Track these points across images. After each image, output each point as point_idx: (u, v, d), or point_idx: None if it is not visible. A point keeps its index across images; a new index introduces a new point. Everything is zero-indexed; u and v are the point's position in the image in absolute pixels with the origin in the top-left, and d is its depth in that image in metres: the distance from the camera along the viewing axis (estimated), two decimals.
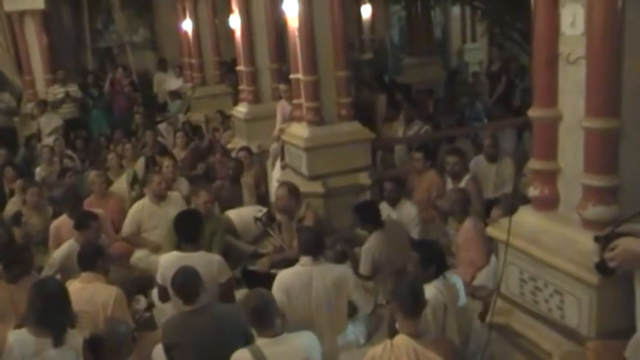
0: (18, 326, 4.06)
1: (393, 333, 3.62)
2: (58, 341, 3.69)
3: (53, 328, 3.71)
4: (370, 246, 5.22)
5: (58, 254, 5.65)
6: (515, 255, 3.69)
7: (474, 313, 4.54)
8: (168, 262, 4.82)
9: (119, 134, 10.47)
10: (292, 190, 5.96)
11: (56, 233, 6.24)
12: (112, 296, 4.50)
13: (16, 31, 12.13)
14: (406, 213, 5.98)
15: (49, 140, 10.49)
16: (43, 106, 11.39)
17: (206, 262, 4.74)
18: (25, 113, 12.12)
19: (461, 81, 13.00)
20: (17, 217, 7.06)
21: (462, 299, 4.41)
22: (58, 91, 11.64)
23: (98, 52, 14.74)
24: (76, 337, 3.80)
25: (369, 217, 5.36)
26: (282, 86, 7.85)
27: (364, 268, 5.22)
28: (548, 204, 3.60)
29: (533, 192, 3.66)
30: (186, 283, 4.09)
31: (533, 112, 3.61)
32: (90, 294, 4.53)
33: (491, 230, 3.99)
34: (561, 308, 3.41)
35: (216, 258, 4.91)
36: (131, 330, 3.79)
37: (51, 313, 3.76)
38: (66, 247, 5.60)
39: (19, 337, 3.71)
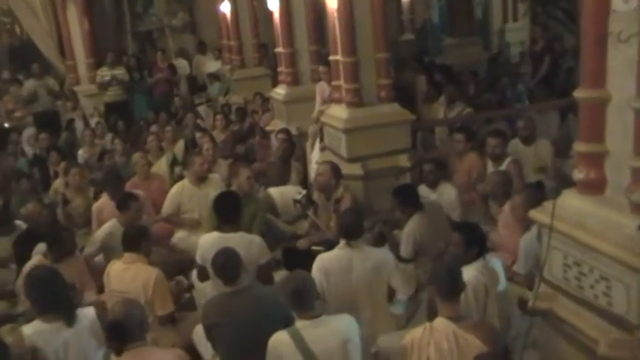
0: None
1: (431, 316, 3.59)
2: (70, 320, 3.75)
3: (61, 311, 3.78)
4: (411, 229, 5.18)
5: (99, 233, 5.76)
6: (559, 239, 3.61)
7: (515, 297, 4.48)
8: (208, 242, 4.87)
9: (163, 117, 10.57)
10: (335, 169, 5.95)
11: (98, 214, 6.34)
12: (153, 277, 4.56)
13: (59, 16, 12.34)
14: (446, 195, 5.91)
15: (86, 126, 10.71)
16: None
17: (246, 243, 4.76)
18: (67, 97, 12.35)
19: (503, 61, 12.74)
20: (61, 198, 7.18)
21: (502, 283, 4.36)
22: (105, 74, 11.80)
23: (138, 35, 14.87)
24: (87, 314, 3.87)
25: (408, 200, 5.31)
26: (321, 68, 7.82)
27: (405, 251, 5.19)
28: (595, 187, 3.50)
29: (578, 175, 3.55)
30: (227, 264, 4.11)
31: (579, 93, 3.50)
32: (132, 275, 4.61)
33: (534, 214, 3.90)
34: (608, 295, 3.32)
35: (256, 239, 4.93)
36: (144, 310, 3.84)
37: (50, 297, 3.82)
38: (108, 227, 5.70)
39: (34, 328, 3.76)
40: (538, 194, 4.70)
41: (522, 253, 4.65)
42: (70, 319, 3.75)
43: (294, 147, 7.55)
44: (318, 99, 7.82)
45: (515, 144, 6.70)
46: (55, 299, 3.81)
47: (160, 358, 3.59)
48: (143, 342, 3.58)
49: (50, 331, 3.72)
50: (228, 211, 5.04)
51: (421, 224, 5.17)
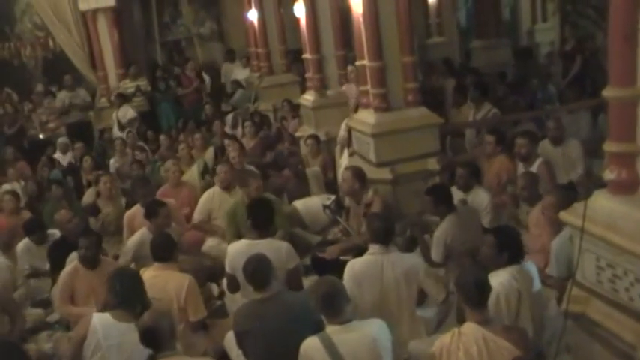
0: (100, 311, 4.23)
1: (462, 320, 3.57)
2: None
3: (134, 310, 3.87)
4: (442, 231, 5.14)
5: (130, 243, 5.82)
6: (591, 241, 3.56)
7: (548, 300, 4.42)
8: (236, 250, 4.88)
9: (192, 125, 10.68)
10: (356, 173, 5.90)
11: (130, 223, 6.41)
12: (185, 284, 4.60)
13: (90, 28, 12.59)
14: (479, 200, 5.83)
15: (120, 132, 10.84)
16: (122, 98, 11.75)
17: (274, 249, 4.77)
18: (99, 107, 12.55)
19: (532, 61, 12.58)
20: (92, 208, 7.28)
21: (537, 285, 4.30)
22: (128, 85, 12.02)
23: (167, 45, 15.04)
24: None
25: (441, 199, 5.26)
26: (350, 67, 7.82)
27: (436, 254, 5.15)
28: (627, 188, 3.43)
29: (609, 175, 3.49)
30: (257, 270, 4.12)
31: (608, 92, 3.44)
32: (164, 281, 4.65)
33: (564, 215, 3.85)
34: None
35: (284, 244, 4.94)
36: (172, 318, 3.90)
37: (129, 294, 3.97)
38: (138, 236, 5.76)
39: (102, 319, 3.89)
40: (570, 195, 4.63)
41: (554, 256, 4.59)
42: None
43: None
44: (351, 102, 7.81)
45: (545, 145, 6.63)
46: (132, 297, 3.98)
47: None
48: (175, 351, 3.61)
49: (116, 328, 3.89)
50: (263, 217, 5.03)
51: (453, 227, 5.13)
